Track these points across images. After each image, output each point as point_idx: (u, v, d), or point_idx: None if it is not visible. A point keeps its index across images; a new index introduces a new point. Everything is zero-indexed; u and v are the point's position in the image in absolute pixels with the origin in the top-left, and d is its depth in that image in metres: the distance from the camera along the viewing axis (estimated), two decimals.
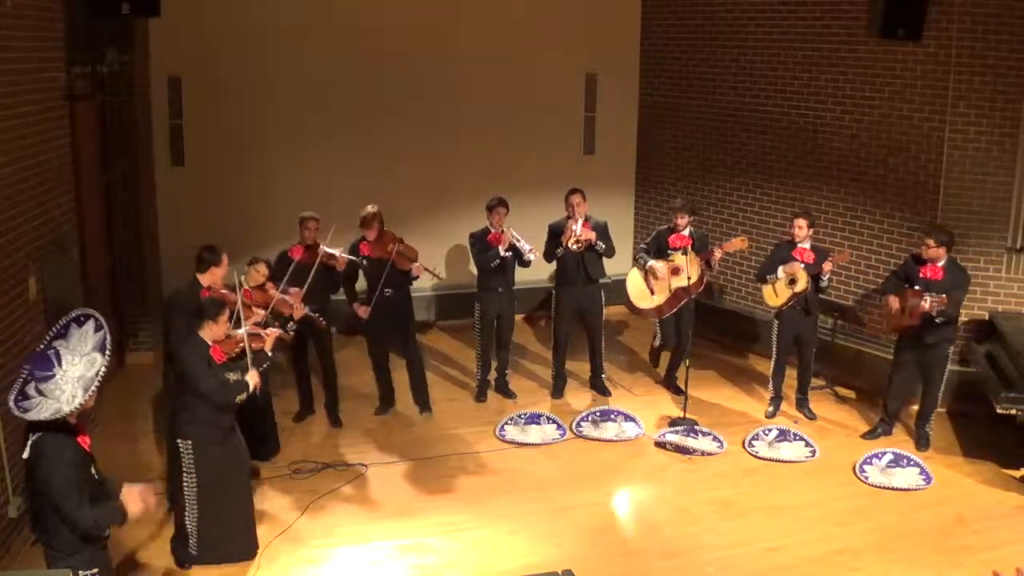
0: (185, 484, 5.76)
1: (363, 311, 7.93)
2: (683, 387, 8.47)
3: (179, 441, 5.73)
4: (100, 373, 4.22)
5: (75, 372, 4.19)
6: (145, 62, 9.14)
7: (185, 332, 5.85)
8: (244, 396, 5.68)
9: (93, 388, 4.18)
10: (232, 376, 5.70)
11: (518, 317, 9.90)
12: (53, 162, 6.83)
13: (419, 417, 8.25)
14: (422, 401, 8.34)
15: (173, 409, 5.89)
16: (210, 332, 5.68)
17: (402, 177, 9.79)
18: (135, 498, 4.47)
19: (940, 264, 7.44)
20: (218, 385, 5.60)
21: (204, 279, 6.63)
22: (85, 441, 4.36)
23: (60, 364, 4.17)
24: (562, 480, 7.20)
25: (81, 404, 4.17)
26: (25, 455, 4.24)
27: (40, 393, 4.13)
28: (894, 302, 7.54)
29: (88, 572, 4.35)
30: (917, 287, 7.45)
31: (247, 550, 6.02)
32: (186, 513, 5.80)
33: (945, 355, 7.66)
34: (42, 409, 4.12)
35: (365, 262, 7.90)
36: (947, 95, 8.10)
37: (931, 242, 7.43)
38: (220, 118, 9.53)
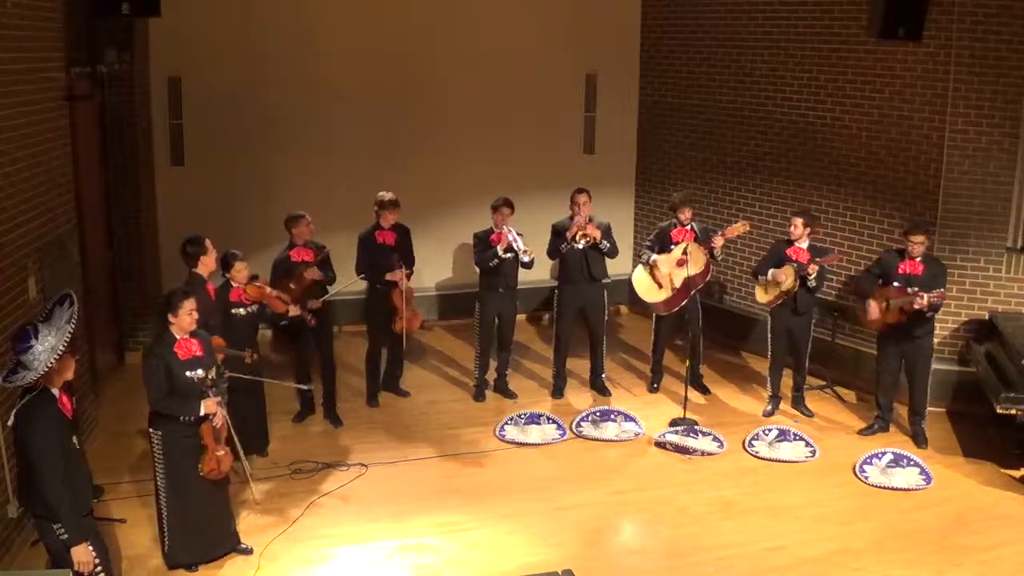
0: (157, 475, 5.76)
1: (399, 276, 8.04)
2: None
3: (151, 431, 5.76)
4: (66, 339, 4.66)
5: (49, 343, 4.63)
6: (145, 62, 9.14)
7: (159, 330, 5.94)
8: (190, 418, 5.63)
9: (60, 349, 4.60)
10: (195, 374, 5.67)
11: (520, 317, 9.89)
12: (53, 162, 6.83)
13: (420, 417, 8.26)
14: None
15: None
16: (176, 326, 5.70)
17: (402, 176, 9.77)
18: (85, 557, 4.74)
19: (918, 259, 7.47)
20: (162, 396, 5.61)
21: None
22: (66, 406, 4.78)
23: (36, 337, 4.63)
24: (562, 480, 7.20)
25: (51, 365, 4.57)
26: (10, 422, 4.69)
27: (24, 367, 4.59)
28: (875, 308, 7.58)
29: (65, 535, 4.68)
30: (896, 283, 7.47)
31: (221, 546, 5.97)
32: (161, 508, 5.77)
33: (929, 346, 7.73)
34: (25, 379, 4.60)
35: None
36: (947, 95, 8.10)
37: (921, 237, 7.46)
38: (220, 118, 9.53)
